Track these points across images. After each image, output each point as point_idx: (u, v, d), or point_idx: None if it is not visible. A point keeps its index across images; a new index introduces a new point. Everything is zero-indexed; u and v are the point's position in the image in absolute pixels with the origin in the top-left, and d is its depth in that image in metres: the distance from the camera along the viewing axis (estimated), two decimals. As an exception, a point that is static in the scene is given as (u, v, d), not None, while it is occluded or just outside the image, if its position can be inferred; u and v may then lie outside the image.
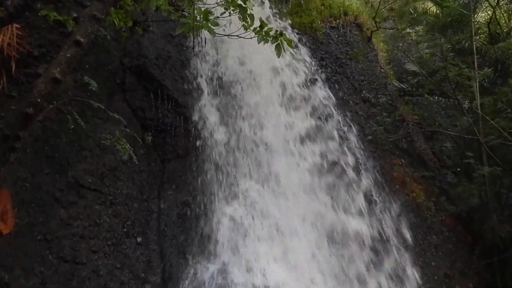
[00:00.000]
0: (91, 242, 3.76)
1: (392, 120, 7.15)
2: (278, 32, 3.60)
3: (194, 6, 3.66)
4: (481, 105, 7.12)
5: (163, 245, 4.35)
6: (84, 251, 3.70)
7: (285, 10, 7.08)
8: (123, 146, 3.68)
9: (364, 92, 7.13)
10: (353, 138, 6.06)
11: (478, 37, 7.73)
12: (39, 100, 2.60)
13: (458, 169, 7.52)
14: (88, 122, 4.11)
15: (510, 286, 6.88)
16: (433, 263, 5.96)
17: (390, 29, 9.29)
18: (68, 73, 2.83)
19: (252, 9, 3.70)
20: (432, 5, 8.69)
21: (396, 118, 7.22)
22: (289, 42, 3.63)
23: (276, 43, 3.61)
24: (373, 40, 8.09)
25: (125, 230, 4.04)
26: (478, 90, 7.21)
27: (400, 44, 8.50)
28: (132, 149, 3.83)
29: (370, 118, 6.88)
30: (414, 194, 6.51)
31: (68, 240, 3.65)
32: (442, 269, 6.12)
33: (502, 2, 7.80)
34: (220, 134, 4.88)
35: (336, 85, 6.69)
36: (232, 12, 3.71)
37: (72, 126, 3.60)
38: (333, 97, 6.26)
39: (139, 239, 4.11)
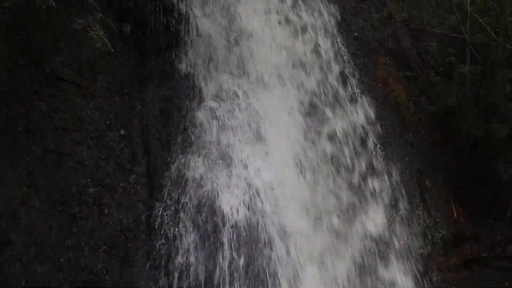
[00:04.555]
0: (74, 135, 3.78)
1: (380, 17, 6.96)
2: None
3: None
4: (471, 2, 6.95)
5: (146, 139, 4.43)
6: (68, 143, 3.73)
7: None
8: (96, 33, 3.52)
9: (353, -16, 6.83)
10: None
11: None
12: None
13: (441, 68, 7.57)
14: (60, 12, 3.89)
15: (478, 182, 7.37)
16: (407, 159, 6.27)
17: None
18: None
19: None
20: None
21: (384, 15, 7.03)
22: None
23: None
24: None
25: (107, 123, 4.05)
26: (470, -14, 6.98)
27: None
28: (106, 35, 3.67)
29: (358, 14, 6.68)
30: (395, 93, 6.62)
31: (50, 132, 3.66)
32: (415, 164, 6.47)
33: None
34: (203, 28, 4.70)
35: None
36: None
37: (43, 7, 3.38)
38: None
39: (122, 132, 4.15)
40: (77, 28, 3.95)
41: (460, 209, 7.05)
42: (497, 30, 7.18)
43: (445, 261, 6.35)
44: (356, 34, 6.43)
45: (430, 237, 6.21)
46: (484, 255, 6.73)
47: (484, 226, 7.10)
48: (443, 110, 7.22)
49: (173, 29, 4.70)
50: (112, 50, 4.21)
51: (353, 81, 5.78)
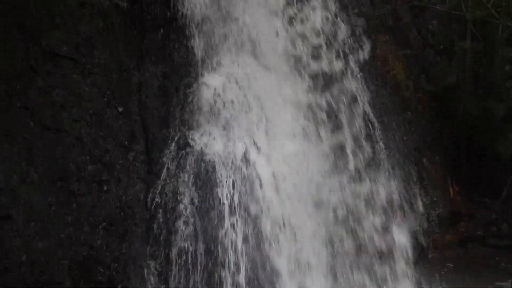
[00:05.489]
0: (72, 111, 3.77)
1: (380, -8, 6.88)
2: None
3: None
4: (474, -21, 6.86)
5: (145, 116, 4.42)
6: (66, 120, 3.72)
7: None
8: (93, 7, 3.46)
9: (353, -41, 6.69)
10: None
11: None
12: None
13: (441, 47, 7.53)
14: (55, -15, 3.83)
15: (475, 161, 7.43)
16: (405, 137, 6.29)
17: None
18: None
19: None
20: None
21: (384, -9, 6.95)
22: None
23: None
24: None
25: (105, 100, 4.03)
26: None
27: None
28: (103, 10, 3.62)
29: (357, -8, 6.59)
30: (395, 71, 6.59)
31: (48, 109, 3.65)
32: (413, 143, 6.49)
33: None
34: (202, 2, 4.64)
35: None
36: None
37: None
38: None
39: (120, 109, 4.13)
40: (73, 3, 3.91)
41: (457, 188, 7.11)
42: (498, 8, 7.12)
43: (441, 239, 6.44)
44: (356, 11, 6.35)
45: (426, 215, 6.28)
46: (479, 233, 6.83)
47: (480, 205, 7.19)
48: (442, 89, 7.21)
49: (171, 3, 4.64)
50: (109, 26, 4.18)
51: (352, 59, 5.73)
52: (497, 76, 7.27)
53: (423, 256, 5.70)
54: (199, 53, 4.63)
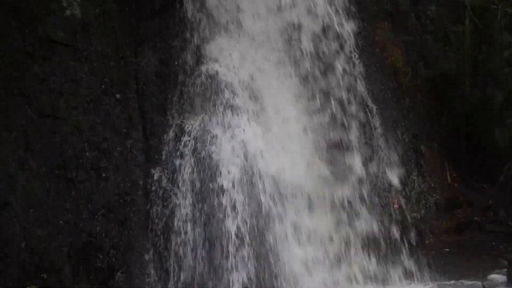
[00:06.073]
0: (70, 98, 3.76)
1: (379, -21, 6.81)
2: None
3: None
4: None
5: (142, 104, 4.40)
6: (63, 107, 3.72)
7: None
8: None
9: None
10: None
11: None
12: None
13: (439, 33, 7.49)
14: (51, -29, 3.79)
15: (472, 148, 7.45)
16: (403, 124, 6.29)
17: None
18: None
19: None
20: None
21: (383, -23, 6.87)
22: None
23: None
24: None
25: (103, 87, 4.02)
26: None
27: None
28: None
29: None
30: (393, 58, 6.55)
31: (46, 96, 3.64)
32: (411, 130, 6.50)
33: None
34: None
35: None
36: None
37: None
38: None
39: (118, 96, 4.12)
40: (69, -12, 3.87)
41: (454, 174, 7.13)
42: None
43: (438, 225, 6.48)
44: (355, -3, 6.29)
45: (424, 201, 6.31)
46: (476, 219, 6.86)
47: (477, 191, 7.21)
48: (441, 76, 7.19)
49: (168, -10, 4.59)
50: (106, 12, 4.15)
51: (351, 46, 5.69)
52: (495, 62, 7.25)
53: (421, 241, 5.74)
54: (197, 38, 4.59)
